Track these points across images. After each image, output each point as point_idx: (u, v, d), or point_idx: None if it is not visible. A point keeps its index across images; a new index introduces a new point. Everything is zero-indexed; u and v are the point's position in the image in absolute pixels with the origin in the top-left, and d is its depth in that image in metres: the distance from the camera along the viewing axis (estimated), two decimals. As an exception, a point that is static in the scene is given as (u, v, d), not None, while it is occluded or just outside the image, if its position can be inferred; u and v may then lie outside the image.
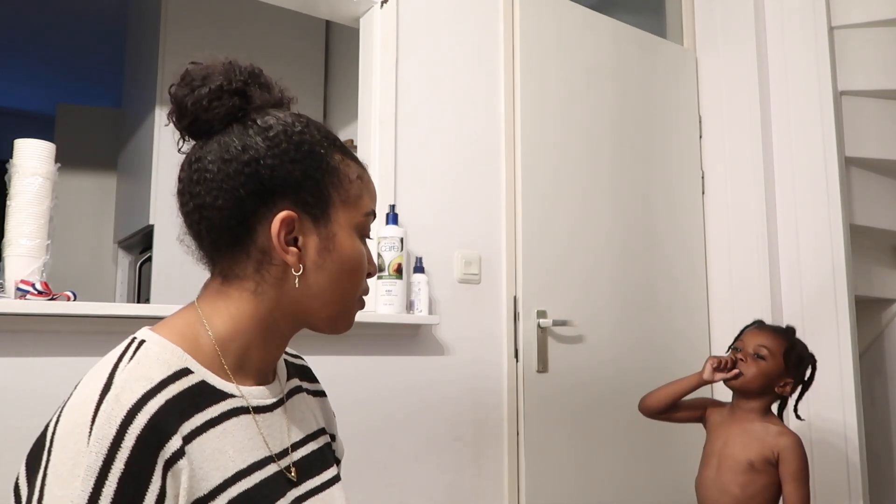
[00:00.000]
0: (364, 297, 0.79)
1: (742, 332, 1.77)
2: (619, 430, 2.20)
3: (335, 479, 0.81)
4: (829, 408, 2.14)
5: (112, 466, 0.56)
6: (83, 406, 0.59)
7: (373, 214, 0.77)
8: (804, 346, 1.73)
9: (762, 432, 1.66)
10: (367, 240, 0.78)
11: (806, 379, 1.71)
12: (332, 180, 0.72)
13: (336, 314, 0.75)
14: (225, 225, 0.69)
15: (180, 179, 0.72)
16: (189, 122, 0.71)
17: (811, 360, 1.72)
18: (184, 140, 0.73)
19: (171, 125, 0.72)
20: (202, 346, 0.69)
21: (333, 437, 0.89)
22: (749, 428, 1.68)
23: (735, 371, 1.67)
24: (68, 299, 1.32)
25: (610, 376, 2.20)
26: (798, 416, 1.73)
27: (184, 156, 0.73)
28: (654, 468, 2.26)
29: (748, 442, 1.66)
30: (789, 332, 1.74)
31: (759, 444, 1.65)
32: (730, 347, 1.76)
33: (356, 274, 0.75)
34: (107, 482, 0.55)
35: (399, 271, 1.77)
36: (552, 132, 2.16)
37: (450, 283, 1.95)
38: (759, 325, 1.76)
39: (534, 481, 1.97)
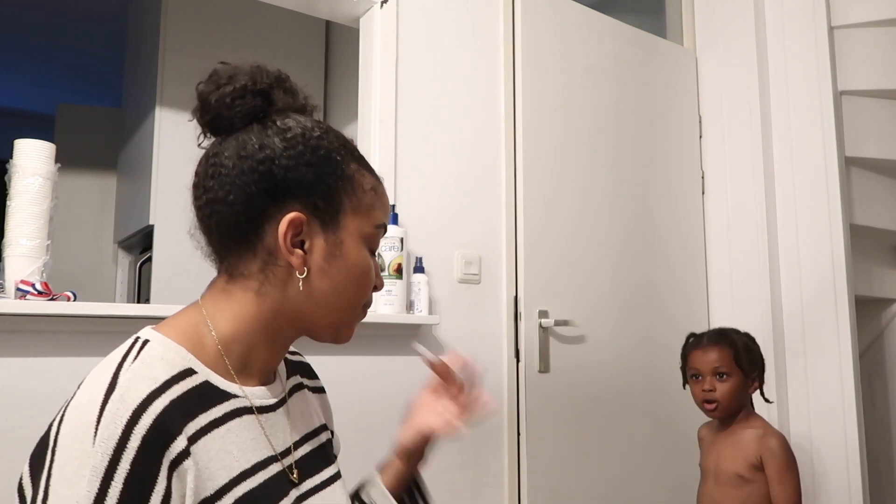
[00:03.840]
0: (366, 309, 0.79)
1: (685, 354, 1.76)
2: (621, 431, 2.20)
3: (336, 477, 0.81)
4: (829, 407, 2.14)
5: (118, 467, 0.56)
6: (88, 406, 0.59)
7: (384, 228, 0.77)
8: (741, 336, 1.73)
9: (746, 439, 1.67)
10: (377, 253, 0.78)
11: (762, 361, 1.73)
12: (345, 187, 0.72)
13: (337, 323, 0.75)
14: (234, 221, 0.70)
15: (196, 173, 0.73)
16: (210, 119, 0.72)
17: (754, 344, 1.73)
18: (205, 136, 0.74)
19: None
20: (206, 346, 0.69)
21: (332, 433, 0.89)
22: (735, 439, 1.69)
23: (713, 405, 1.68)
24: (68, 299, 1.32)
25: (611, 376, 2.20)
26: (767, 400, 1.75)
27: (193, 143, 0.74)
28: (656, 468, 2.26)
29: (735, 453, 1.67)
30: (725, 335, 1.72)
31: (743, 453, 1.65)
32: (690, 376, 1.74)
33: (361, 284, 0.75)
34: (112, 482, 0.55)
35: (399, 271, 1.77)
36: (552, 132, 2.16)
37: (450, 283, 1.95)
38: (697, 342, 1.74)
39: (535, 481, 1.97)
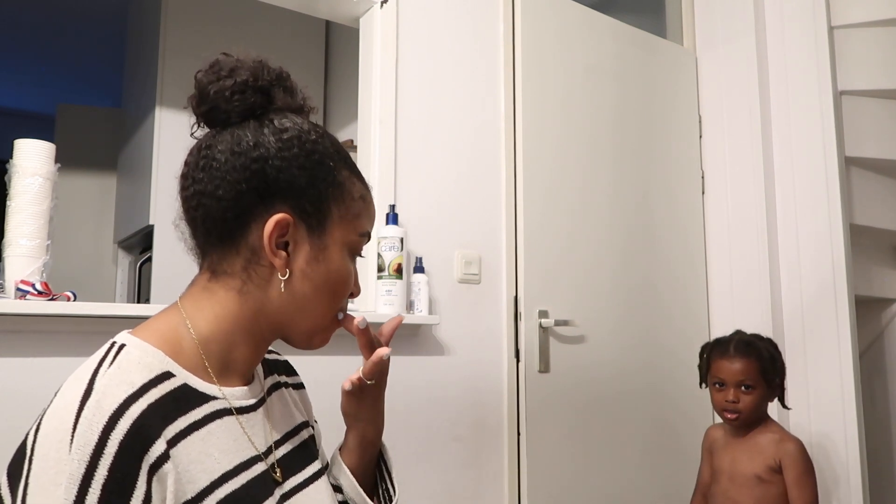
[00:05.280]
0: (339, 315, 0.78)
1: (709, 358, 1.73)
2: (620, 431, 2.20)
3: (320, 473, 0.81)
4: (829, 408, 2.14)
5: (95, 473, 0.55)
6: (64, 413, 0.58)
7: (367, 236, 0.77)
8: (766, 346, 1.71)
9: (764, 443, 1.68)
10: (358, 258, 0.78)
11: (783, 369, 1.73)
12: (335, 194, 0.73)
13: (312, 328, 0.75)
14: (220, 216, 0.69)
15: (186, 163, 0.72)
16: (207, 110, 0.71)
17: (778, 352, 1.72)
18: (198, 125, 0.73)
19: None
20: (184, 348, 0.68)
21: (312, 427, 0.89)
22: (752, 442, 1.69)
23: (735, 416, 1.67)
24: (68, 299, 1.32)
25: (611, 376, 2.20)
26: (785, 406, 1.76)
27: (193, 141, 0.73)
28: (655, 468, 2.26)
29: (752, 456, 1.67)
30: (753, 347, 1.70)
31: (761, 455, 1.66)
32: (712, 383, 1.72)
33: (340, 291, 0.75)
34: (90, 490, 0.55)
35: (399, 271, 1.77)
36: (552, 132, 2.16)
37: (450, 283, 1.95)
38: (723, 349, 1.71)
39: (535, 481, 1.97)
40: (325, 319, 0.76)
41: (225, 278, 0.71)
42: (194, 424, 0.65)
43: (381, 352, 0.80)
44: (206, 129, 0.73)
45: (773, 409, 1.81)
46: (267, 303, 0.71)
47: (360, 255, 0.78)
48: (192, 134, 0.74)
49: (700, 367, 1.77)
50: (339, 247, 0.74)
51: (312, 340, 0.76)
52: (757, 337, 1.74)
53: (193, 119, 0.73)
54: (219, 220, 0.70)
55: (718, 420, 1.85)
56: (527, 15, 2.13)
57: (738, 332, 1.77)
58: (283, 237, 0.70)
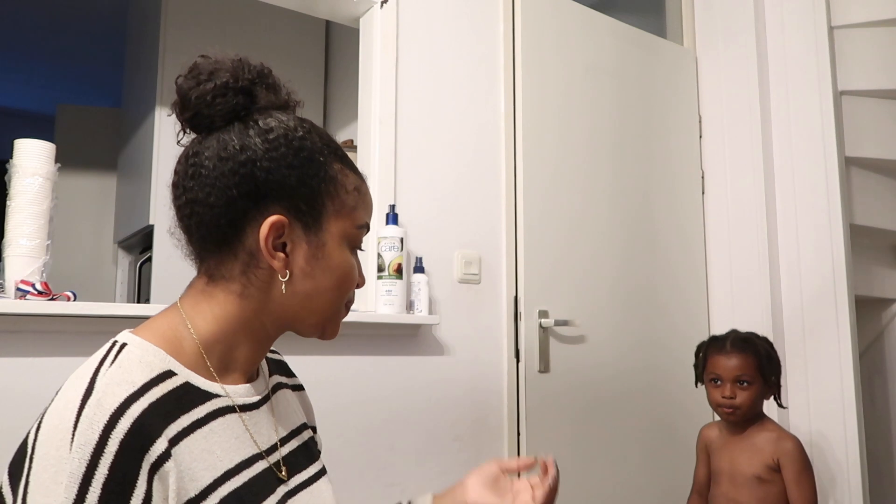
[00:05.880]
0: (349, 306, 0.78)
1: (705, 354, 1.74)
2: (620, 431, 2.20)
3: (321, 473, 0.81)
4: (828, 407, 2.14)
5: (95, 472, 0.55)
6: (64, 412, 0.58)
7: (366, 227, 0.76)
8: (763, 343, 1.72)
9: (761, 442, 1.67)
10: (359, 251, 0.78)
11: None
12: (328, 189, 0.72)
13: (321, 322, 0.75)
14: (214, 223, 0.69)
15: (176, 172, 0.71)
16: (191, 116, 0.70)
17: (774, 350, 1.73)
18: (184, 132, 0.72)
19: (173, 116, 0.72)
20: (185, 347, 0.68)
21: (314, 430, 0.89)
22: (750, 441, 1.69)
23: (731, 411, 1.67)
24: (68, 299, 1.32)
25: (611, 376, 2.20)
26: (780, 405, 1.77)
27: (182, 148, 0.73)
28: (655, 468, 2.26)
29: (751, 456, 1.67)
30: (750, 342, 1.71)
31: (760, 455, 1.66)
32: (709, 379, 1.73)
33: (343, 285, 0.74)
34: (90, 488, 0.55)
35: (399, 271, 1.77)
36: (552, 132, 2.16)
37: (450, 283, 1.95)
38: (720, 346, 1.72)
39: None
40: (332, 313, 0.75)
41: (224, 282, 0.71)
42: (197, 422, 0.65)
43: (553, 471, 0.95)
44: (192, 135, 0.72)
45: (774, 410, 1.81)
46: (269, 303, 0.71)
47: (361, 248, 0.78)
48: (178, 142, 0.73)
49: (696, 364, 1.78)
50: (338, 241, 0.73)
51: (324, 332, 0.76)
52: (753, 334, 1.75)
53: (178, 126, 0.72)
54: (213, 227, 0.69)
55: (718, 419, 1.85)
56: (527, 15, 2.13)
57: (734, 331, 1.77)
58: (279, 238, 0.69)
